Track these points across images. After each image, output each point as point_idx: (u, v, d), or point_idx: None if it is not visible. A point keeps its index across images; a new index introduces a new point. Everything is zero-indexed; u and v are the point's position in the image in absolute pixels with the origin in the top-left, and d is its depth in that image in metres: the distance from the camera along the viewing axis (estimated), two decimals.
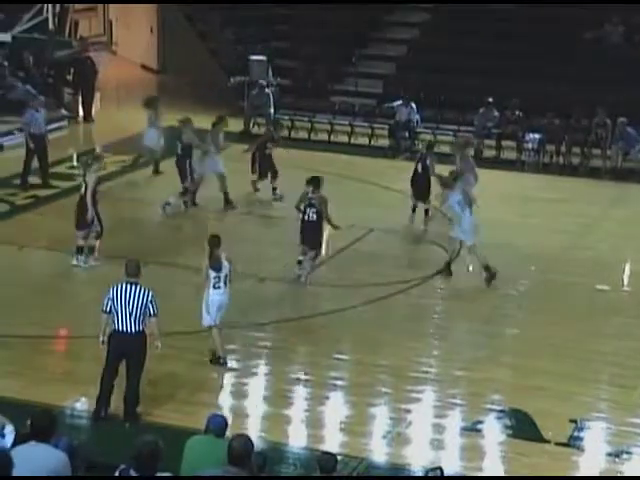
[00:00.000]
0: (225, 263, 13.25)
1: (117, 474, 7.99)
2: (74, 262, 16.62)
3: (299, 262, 16.53)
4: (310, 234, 16.28)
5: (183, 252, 17.54)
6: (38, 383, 12.83)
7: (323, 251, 17.02)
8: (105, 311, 11.84)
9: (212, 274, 13.21)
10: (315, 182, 16.36)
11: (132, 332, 11.72)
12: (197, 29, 31.19)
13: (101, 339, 11.95)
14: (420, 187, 19.27)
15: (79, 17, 32.02)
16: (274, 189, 20.55)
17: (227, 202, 19.86)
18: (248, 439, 8.23)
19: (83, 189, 16.73)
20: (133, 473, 7.81)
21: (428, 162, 19.35)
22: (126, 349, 11.82)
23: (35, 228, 18.76)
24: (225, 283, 13.27)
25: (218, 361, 13.48)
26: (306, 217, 16.28)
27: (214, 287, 13.23)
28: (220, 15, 30.38)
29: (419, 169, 19.43)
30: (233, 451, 8.02)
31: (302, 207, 16.35)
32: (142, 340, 11.83)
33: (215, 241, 13.28)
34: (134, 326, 11.71)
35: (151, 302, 11.76)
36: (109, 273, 14.88)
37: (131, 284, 11.81)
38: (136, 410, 12.09)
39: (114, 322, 11.78)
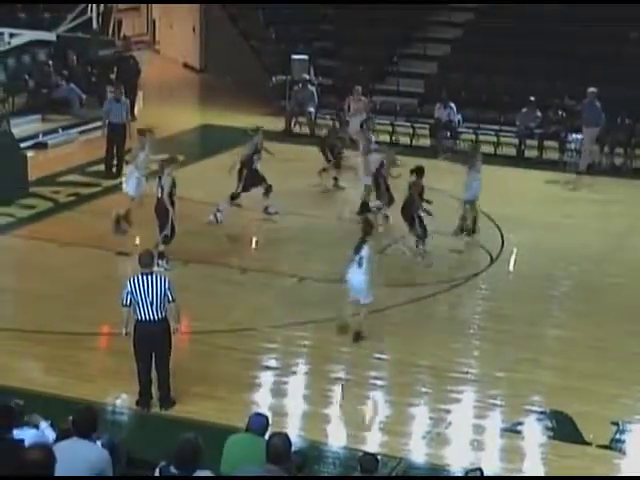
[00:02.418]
0: (365, 249, 13.95)
1: (157, 471, 8.03)
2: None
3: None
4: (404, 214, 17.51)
5: (227, 251, 17.62)
6: (80, 380, 12.93)
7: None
8: (125, 304, 12.05)
9: (352, 255, 14.04)
10: (418, 171, 17.61)
11: (156, 320, 11.96)
12: (239, 28, 31.28)
13: (124, 331, 12.16)
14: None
15: (122, 16, 32.24)
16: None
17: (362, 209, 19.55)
18: (287, 437, 8.23)
19: (160, 192, 16.46)
20: (173, 470, 7.84)
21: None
22: (152, 337, 12.03)
23: (77, 226, 18.88)
24: (360, 264, 13.93)
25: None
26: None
27: (350, 267, 14.06)
28: (262, 14, 30.46)
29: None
30: (272, 449, 8.03)
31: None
32: (166, 326, 12.09)
33: (367, 228, 14.21)
34: (157, 314, 11.95)
35: (169, 289, 12.00)
36: None
37: (147, 274, 12.04)
38: (170, 396, 12.31)
39: (137, 313, 11.99)
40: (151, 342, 12.07)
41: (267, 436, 8.70)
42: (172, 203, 16.48)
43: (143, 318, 11.98)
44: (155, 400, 12.32)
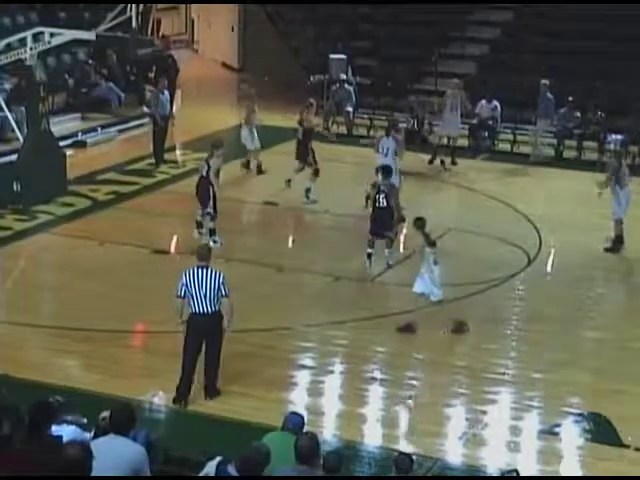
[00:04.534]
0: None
1: (213, 466, 8.05)
2: (195, 235, 17.63)
3: (369, 255, 16.89)
4: (381, 220, 16.80)
5: (264, 250, 17.68)
6: (117, 377, 13.02)
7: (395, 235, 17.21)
8: (180, 296, 12.23)
9: (430, 250, 14.22)
10: (385, 171, 17.06)
11: (209, 312, 12.16)
12: (278, 28, 31.31)
13: (179, 320, 12.31)
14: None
15: (161, 16, 32.38)
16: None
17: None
18: (314, 437, 8.23)
19: (204, 171, 17.50)
20: (231, 469, 7.84)
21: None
22: (205, 329, 12.23)
23: (116, 224, 18.99)
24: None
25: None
26: (377, 204, 16.85)
27: (435, 263, 14.14)
28: (301, 14, 30.47)
29: None
30: (301, 449, 8.02)
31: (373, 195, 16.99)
32: (219, 319, 12.27)
33: (420, 223, 14.45)
34: (210, 307, 12.13)
35: (223, 283, 12.17)
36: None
37: (202, 268, 12.23)
38: (217, 386, 12.46)
39: (191, 305, 12.17)
40: (203, 334, 12.26)
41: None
42: (216, 183, 17.50)
43: (196, 311, 12.17)
44: (192, 397, 12.39)
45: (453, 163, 23.20)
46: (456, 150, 23.54)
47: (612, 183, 17.92)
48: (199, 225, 17.76)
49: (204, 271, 12.21)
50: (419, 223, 14.49)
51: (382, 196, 16.79)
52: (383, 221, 16.84)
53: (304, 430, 9.00)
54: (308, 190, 19.98)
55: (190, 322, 12.24)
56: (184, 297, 12.21)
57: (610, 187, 17.90)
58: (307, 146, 20.22)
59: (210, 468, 8.14)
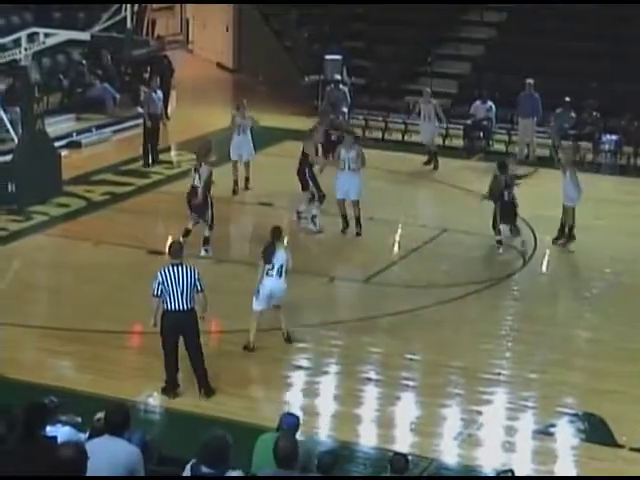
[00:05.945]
0: (281, 254, 13.59)
1: (188, 469, 8.04)
2: (202, 253, 16.94)
3: (498, 242, 17.69)
4: (509, 213, 17.58)
5: (258, 250, 17.60)
6: (111, 377, 13.02)
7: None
8: (156, 295, 12.28)
9: (262, 264, 13.66)
10: (502, 165, 17.86)
11: (185, 309, 12.23)
12: (273, 28, 31.29)
13: (153, 321, 12.36)
14: None
15: (156, 16, 32.33)
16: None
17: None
18: (292, 438, 8.16)
19: (196, 180, 16.94)
20: (204, 469, 7.83)
21: None
22: (181, 326, 12.29)
23: (111, 224, 18.98)
24: (280, 273, 13.54)
25: (248, 347, 13.80)
26: (505, 198, 17.57)
27: (266, 274, 13.60)
28: (296, 14, 30.46)
29: None
30: (279, 452, 7.77)
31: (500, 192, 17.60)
32: (194, 316, 12.36)
33: (276, 233, 13.84)
34: (186, 304, 12.22)
35: (198, 279, 12.28)
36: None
37: (176, 265, 12.31)
38: (210, 384, 12.51)
39: (167, 303, 12.22)
40: (180, 330, 12.29)
41: (297, 436, 8.69)
42: (208, 192, 16.89)
43: (173, 308, 12.21)
44: (187, 397, 12.40)
45: (426, 163, 23.09)
46: (436, 154, 23.30)
47: (571, 170, 18.11)
48: (206, 241, 17.07)
49: (179, 268, 12.27)
50: (276, 233, 13.86)
51: (509, 191, 17.50)
52: (509, 214, 17.57)
53: (298, 431, 8.99)
54: (314, 216, 18.67)
55: (166, 319, 12.27)
56: (160, 296, 12.24)
57: (570, 172, 18.05)
58: (304, 175, 18.66)
59: (187, 470, 8.10)
